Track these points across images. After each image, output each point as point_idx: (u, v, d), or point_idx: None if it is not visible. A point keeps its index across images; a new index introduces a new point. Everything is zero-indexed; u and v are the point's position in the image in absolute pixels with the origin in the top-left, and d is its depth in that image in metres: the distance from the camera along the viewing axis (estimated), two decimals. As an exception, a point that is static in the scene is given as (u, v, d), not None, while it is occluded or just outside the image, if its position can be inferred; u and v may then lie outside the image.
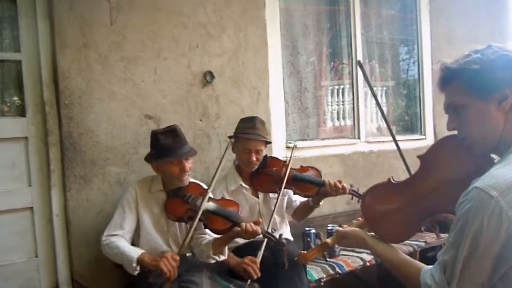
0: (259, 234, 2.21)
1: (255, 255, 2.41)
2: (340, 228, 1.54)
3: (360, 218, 1.57)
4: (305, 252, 1.60)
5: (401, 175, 3.74)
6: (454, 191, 1.21)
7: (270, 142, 2.72)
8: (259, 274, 2.33)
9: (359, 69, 3.71)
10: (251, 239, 2.32)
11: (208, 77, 2.89)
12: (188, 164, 2.30)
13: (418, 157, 1.40)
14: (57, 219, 2.48)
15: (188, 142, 2.38)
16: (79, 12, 2.49)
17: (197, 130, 2.87)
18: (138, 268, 2.14)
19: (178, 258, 2.09)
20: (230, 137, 2.66)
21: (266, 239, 2.31)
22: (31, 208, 2.46)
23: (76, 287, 2.50)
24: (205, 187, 2.41)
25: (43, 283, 2.49)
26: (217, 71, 2.93)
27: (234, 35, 3.02)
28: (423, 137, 4.07)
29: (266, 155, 2.69)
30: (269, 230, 2.37)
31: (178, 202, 2.29)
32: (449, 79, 1.27)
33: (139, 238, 2.34)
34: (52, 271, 2.50)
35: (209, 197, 2.32)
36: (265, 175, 2.63)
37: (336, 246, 1.89)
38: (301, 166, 2.74)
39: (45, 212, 2.48)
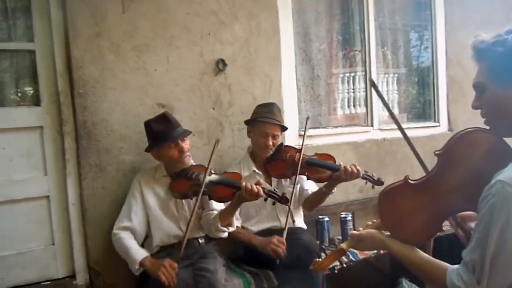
0: (261, 194, 2.21)
1: (267, 264, 2.45)
2: (354, 232, 1.50)
3: (374, 220, 1.52)
4: (319, 260, 1.54)
5: (415, 164, 3.72)
6: (476, 188, 1.17)
7: (286, 128, 2.73)
8: (285, 253, 2.36)
9: (373, 59, 3.69)
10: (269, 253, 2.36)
11: (220, 65, 2.87)
12: (186, 145, 2.36)
13: (436, 154, 1.34)
14: (73, 208, 2.51)
15: (180, 124, 2.42)
16: (91, 1, 2.49)
17: (210, 118, 2.87)
18: (141, 269, 2.22)
19: (176, 265, 2.13)
20: (246, 122, 2.68)
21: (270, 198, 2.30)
22: (48, 196, 2.50)
23: (92, 274, 2.54)
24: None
25: (60, 271, 2.53)
26: (229, 59, 2.91)
27: (246, 22, 2.99)
28: (437, 124, 4.02)
29: (281, 143, 2.69)
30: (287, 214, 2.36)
31: (182, 181, 2.34)
32: (477, 58, 1.24)
33: (150, 227, 2.38)
34: (68, 259, 2.54)
35: (212, 172, 2.36)
36: (279, 161, 2.64)
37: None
38: (316, 153, 2.74)
39: (61, 201, 2.52)
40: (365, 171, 2.63)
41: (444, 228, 2.94)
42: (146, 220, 2.39)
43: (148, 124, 2.39)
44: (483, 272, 1.10)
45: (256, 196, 2.20)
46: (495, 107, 1.21)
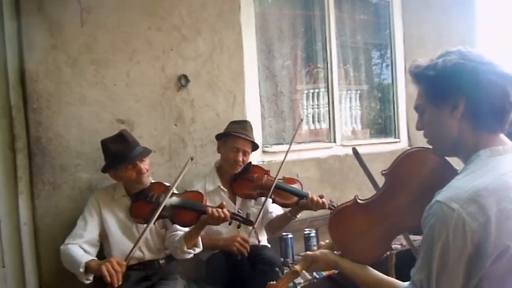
0: (227, 219, 2.18)
1: (235, 261, 2.41)
2: (309, 253, 1.49)
3: (327, 241, 1.51)
4: (274, 283, 1.50)
5: (377, 179, 3.79)
6: (422, 206, 1.18)
7: (257, 146, 2.72)
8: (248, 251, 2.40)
9: (335, 76, 3.74)
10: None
11: (182, 81, 2.84)
12: (144, 166, 2.27)
13: (383, 173, 1.36)
14: (25, 228, 2.38)
15: (139, 143, 2.33)
16: (48, 13, 2.41)
17: (172, 134, 2.81)
18: (91, 277, 2.06)
19: (124, 263, 1.99)
20: (218, 136, 2.65)
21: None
22: (-3, 216, 2.36)
23: (45, 298, 2.41)
24: (168, 185, 2.35)
25: (10, 294, 2.39)
26: (192, 75, 2.88)
27: (209, 38, 2.98)
28: (397, 140, 4.12)
29: (250, 162, 2.66)
30: (236, 212, 2.33)
31: (142, 204, 2.25)
32: (414, 82, 1.29)
33: (110, 248, 2.28)
34: (20, 282, 2.40)
35: (173, 192, 2.28)
36: (246, 180, 2.61)
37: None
38: (284, 177, 2.72)
39: (12, 220, 2.38)
40: (330, 201, 2.64)
41: (404, 243, 2.98)
42: (98, 238, 2.28)
43: (104, 144, 2.29)
44: None
45: (223, 221, 2.16)
46: (434, 128, 1.25)
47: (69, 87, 2.48)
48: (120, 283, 1.94)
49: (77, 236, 2.23)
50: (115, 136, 2.30)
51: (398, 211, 1.33)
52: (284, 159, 2.70)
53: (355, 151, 1.62)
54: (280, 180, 2.64)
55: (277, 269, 2.27)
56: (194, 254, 2.31)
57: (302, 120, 2.36)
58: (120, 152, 2.22)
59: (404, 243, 3.10)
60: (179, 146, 2.84)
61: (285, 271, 2.59)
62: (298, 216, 2.63)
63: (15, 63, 2.38)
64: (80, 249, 2.19)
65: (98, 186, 2.50)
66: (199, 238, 2.29)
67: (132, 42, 2.67)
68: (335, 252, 1.43)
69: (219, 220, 2.15)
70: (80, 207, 2.41)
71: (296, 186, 2.66)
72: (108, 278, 1.90)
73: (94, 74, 2.55)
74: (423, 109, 1.27)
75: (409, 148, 1.37)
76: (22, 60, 2.36)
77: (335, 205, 2.62)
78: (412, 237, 2.84)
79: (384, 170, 1.36)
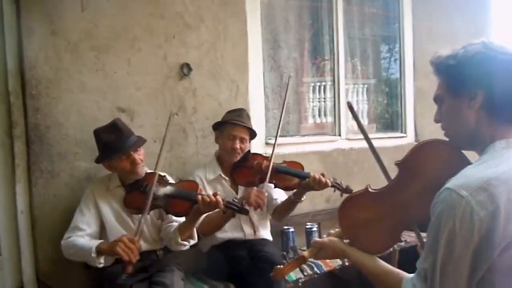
0: (220, 205, 2.09)
1: (235, 255, 2.37)
2: (317, 239, 1.49)
3: (337, 229, 1.49)
4: (281, 267, 1.52)
5: (381, 174, 3.72)
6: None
7: (255, 133, 2.65)
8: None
9: (342, 69, 3.67)
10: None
11: (185, 70, 2.78)
12: (139, 156, 2.22)
13: (396, 163, 1.35)
14: (21, 216, 2.35)
15: (133, 133, 2.29)
16: (47, -3, 2.36)
17: (173, 124, 2.72)
18: (102, 260, 2.05)
19: (136, 239, 1.98)
20: (214, 126, 2.61)
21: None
22: (-6, 204, 2.33)
23: (41, 287, 2.37)
24: (163, 174, 2.30)
25: (7, 283, 2.36)
26: (195, 64, 2.82)
27: (212, 26, 2.91)
28: (404, 135, 4.04)
29: (249, 150, 2.61)
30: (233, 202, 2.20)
31: (136, 195, 2.19)
32: (435, 72, 1.28)
33: (107, 239, 2.23)
34: (16, 271, 2.37)
35: (168, 182, 2.23)
36: (246, 168, 2.55)
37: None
38: (284, 161, 2.67)
39: (9, 209, 2.35)
40: (333, 179, 2.58)
41: (408, 240, 2.93)
42: (97, 232, 2.26)
43: (97, 133, 2.24)
44: (434, 281, 1.08)
45: (215, 207, 2.09)
46: (451, 119, 1.25)
47: (69, 74, 2.43)
48: (137, 258, 1.95)
49: (76, 229, 2.20)
50: (108, 125, 2.24)
51: (410, 202, 1.32)
52: (273, 150, 2.60)
53: (349, 105, 1.59)
54: (280, 164, 2.59)
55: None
56: (192, 246, 2.27)
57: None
58: (113, 142, 2.17)
59: (409, 239, 3.04)
60: (180, 136, 2.79)
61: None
62: (302, 199, 2.57)
63: (14, 49, 2.33)
64: (83, 238, 2.17)
65: (96, 175, 2.46)
66: (194, 229, 2.24)
67: (133, 29, 2.61)
68: (344, 240, 1.43)
69: (210, 206, 2.08)
70: (78, 196, 2.37)
71: (294, 167, 2.60)
72: (126, 257, 1.91)
73: (94, 61, 2.50)
74: (442, 99, 1.26)
75: (425, 140, 1.35)
76: (21, 46, 2.31)
77: (339, 183, 2.57)
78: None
79: (398, 161, 1.35)
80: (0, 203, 2.34)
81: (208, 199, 2.07)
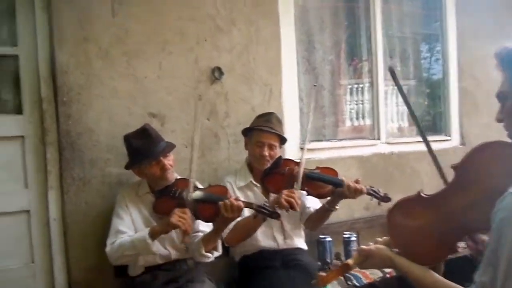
0: (241, 207, 2.02)
1: (268, 265, 2.26)
2: (363, 247, 1.39)
3: (384, 237, 1.39)
4: (323, 274, 1.45)
5: (425, 180, 3.56)
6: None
7: (285, 139, 2.54)
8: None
9: (381, 70, 3.51)
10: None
11: (216, 73, 2.71)
12: (168, 161, 2.18)
13: (453, 167, 1.24)
14: (54, 223, 2.34)
15: (163, 138, 2.25)
16: (79, 4, 2.36)
17: (205, 129, 2.69)
18: (155, 248, 2.06)
19: (187, 210, 1.99)
20: (243, 132, 2.53)
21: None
22: (28, 211, 2.33)
23: (73, 295, 2.36)
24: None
25: (39, 291, 2.36)
26: (226, 67, 2.75)
27: (245, 28, 2.84)
28: (448, 138, 3.81)
29: (280, 156, 2.50)
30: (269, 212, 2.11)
31: (166, 200, 2.14)
32: (500, 67, 1.16)
33: None
34: (49, 278, 2.36)
35: (197, 187, 2.18)
36: (277, 175, 2.44)
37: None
38: (317, 167, 2.54)
39: (42, 216, 2.35)
40: (370, 186, 2.43)
41: (458, 249, 2.72)
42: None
43: (127, 139, 2.22)
44: None
45: (238, 211, 2.00)
46: None
47: (100, 80, 2.41)
48: (191, 228, 1.99)
49: (118, 233, 2.15)
50: (137, 130, 2.22)
51: (468, 209, 1.21)
52: (303, 155, 2.46)
53: (391, 70, 1.48)
54: (313, 170, 2.46)
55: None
56: (224, 255, 2.20)
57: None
58: (143, 147, 2.15)
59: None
60: (212, 142, 2.72)
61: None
62: (337, 207, 2.41)
63: (46, 55, 2.34)
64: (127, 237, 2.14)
65: (128, 181, 2.42)
66: (219, 241, 2.16)
67: (164, 33, 2.57)
68: (392, 249, 1.33)
69: (232, 210, 2.00)
70: (109, 203, 2.34)
71: (327, 173, 2.46)
72: (183, 226, 1.93)
73: (125, 66, 2.48)
74: (506, 97, 1.14)
75: (485, 142, 1.23)
76: (53, 52, 2.32)
77: (376, 190, 2.40)
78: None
79: (455, 164, 1.25)
80: (33, 210, 2.34)
81: (229, 203, 1.99)
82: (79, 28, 2.36)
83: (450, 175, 1.31)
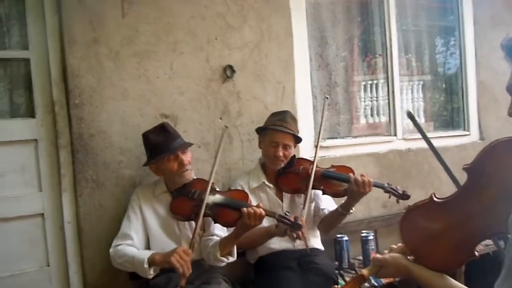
0: (263, 215, 1.99)
1: (284, 267, 2.23)
2: (378, 255, 1.32)
3: (399, 244, 1.33)
4: (337, 287, 1.38)
5: (443, 177, 3.44)
6: None
7: (300, 139, 2.49)
8: None
9: (396, 65, 3.44)
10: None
11: (228, 72, 2.68)
12: (186, 158, 2.18)
13: (465, 168, 1.17)
14: (68, 226, 2.34)
15: (180, 135, 2.26)
16: (88, 6, 2.34)
17: (218, 129, 2.66)
18: (152, 271, 2.01)
19: (190, 251, 1.94)
20: (257, 130, 2.49)
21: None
22: (42, 214, 2.33)
23: (89, 298, 2.35)
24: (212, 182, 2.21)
25: (55, 294, 2.36)
26: (238, 65, 2.71)
27: (256, 25, 2.79)
28: (467, 133, 3.71)
29: (294, 156, 2.46)
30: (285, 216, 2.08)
31: (184, 200, 2.14)
32: (509, 57, 1.07)
33: (150, 246, 2.20)
34: (64, 281, 2.36)
35: (216, 190, 2.17)
36: (291, 174, 2.40)
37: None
38: (332, 165, 2.49)
39: (56, 219, 2.35)
40: (388, 184, 2.36)
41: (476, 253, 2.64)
42: (145, 238, 2.21)
43: (145, 136, 2.23)
44: None
45: (260, 219, 1.99)
46: None
47: (111, 82, 2.40)
48: (190, 271, 1.91)
49: (125, 237, 2.16)
50: (156, 127, 2.25)
51: (485, 212, 1.14)
52: (316, 154, 2.44)
53: (410, 115, 1.41)
54: (328, 169, 2.41)
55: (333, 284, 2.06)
56: (239, 257, 2.17)
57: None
58: (161, 143, 2.16)
59: (478, 248, 2.76)
60: (225, 141, 2.68)
61: (340, 281, 2.37)
62: (351, 210, 2.34)
63: (57, 58, 2.33)
64: (133, 247, 2.14)
65: (142, 183, 2.41)
66: (235, 246, 2.13)
67: (174, 33, 2.54)
68: (408, 257, 1.27)
69: (255, 218, 1.98)
70: (123, 205, 2.33)
71: (342, 171, 2.39)
72: (181, 269, 1.88)
73: (136, 67, 2.46)
74: None
75: (498, 139, 1.13)
76: (64, 55, 2.31)
77: (395, 188, 2.31)
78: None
79: (467, 164, 1.17)
80: (48, 213, 2.34)
81: (252, 211, 1.98)
82: (89, 30, 2.34)
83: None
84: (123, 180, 2.41)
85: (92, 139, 2.35)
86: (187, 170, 2.18)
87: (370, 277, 2.33)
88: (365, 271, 1.33)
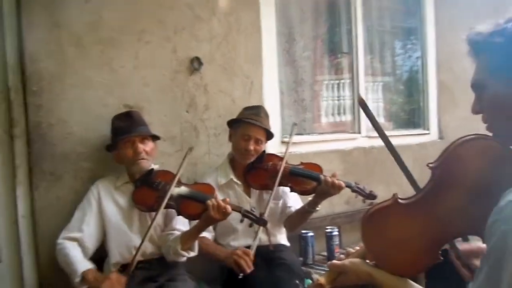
0: (229, 211, 1.97)
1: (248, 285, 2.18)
2: (335, 261, 1.21)
3: (357, 248, 1.25)
4: None
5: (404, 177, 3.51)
6: (479, 208, 0.96)
7: (272, 135, 2.47)
8: (252, 268, 2.09)
9: (361, 65, 3.48)
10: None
11: (195, 64, 2.61)
12: (145, 147, 2.14)
13: (429, 166, 1.11)
14: (23, 221, 2.21)
15: (147, 125, 2.22)
16: (49, -13, 2.22)
17: (184, 122, 2.60)
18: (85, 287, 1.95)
19: (123, 280, 1.88)
20: (229, 122, 2.44)
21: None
22: (-6, 208, 2.19)
23: (44, 296, 2.23)
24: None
25: (8, 291, 2.22)
26: (206, 57, 2.65)
27: (224, 18, 2.74)
28: (427, 131, 3.82)
29: (264, 151, 2.44)
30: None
31: (147, 191, 2.09)
32: (473, 53, 1.05)
33: (108, 239, 2.13)
34: (17, 278, 2.23)
35: (182, 182, 2.14)
36: (260, 170, 2.38)
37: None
38: (301, 162, 2.48)
39: (10, 213, 2.21)
40: (355, 183, 2.39)
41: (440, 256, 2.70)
42: (99, 232, 2.13)
43: (112, 121, 2.20)
44: None
45: (224, 214, 1.96)
46: (498, 108, 1.01)
47: (73, 69, 2.28)
48: None
49: (74, 229, 2.09)
50: (122, 113, 2.23)
51: (449, 213, 1.08)
52: (286, 151, 2.45)
53: (362, 102, 1.36)
54: (297, 166, 2.40)
55: (297, 281, 2.05)
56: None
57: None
58: (122, 127, 2.12)
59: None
60: (191, 135, 2.62)
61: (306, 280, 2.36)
62: (317, 208, 2.36)
63: (14, 43, 2.19)
64: (79, 248, 2.06)
65: (102, 176, 2.30)
66: (196, 241, 2.09)
67: (141, 21, 2.46)
68: (368, 261, 1.18)
69: (220, 213, 1.95)
70: (83, 198, 2.22)
71: (311, 168, 2.39)
72: None
73: (99, 55, 2.35)
74: (483, 86, 1.02)
75: (463, 136, 1.09)
76: (21, 39, 2.17)
77: (362, 188, 2.38)
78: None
79: (431, 163, 1.11)
80: (1, 207, 2.20)
81: (217, 204, 1.95)
82: (50, 13, 2.22)
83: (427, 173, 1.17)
84: (82, 172, 2.30)
85: (50, 128, 2.23)
86: (142, 158, 2.12)
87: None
88: (322, 279, 1.21)
